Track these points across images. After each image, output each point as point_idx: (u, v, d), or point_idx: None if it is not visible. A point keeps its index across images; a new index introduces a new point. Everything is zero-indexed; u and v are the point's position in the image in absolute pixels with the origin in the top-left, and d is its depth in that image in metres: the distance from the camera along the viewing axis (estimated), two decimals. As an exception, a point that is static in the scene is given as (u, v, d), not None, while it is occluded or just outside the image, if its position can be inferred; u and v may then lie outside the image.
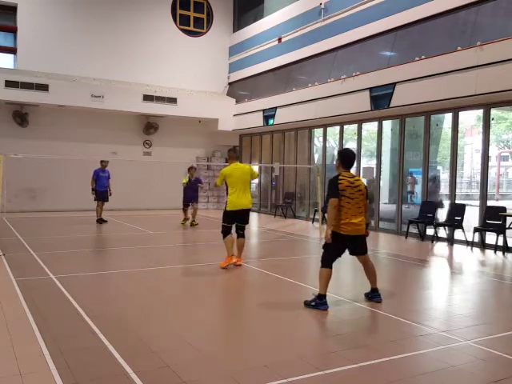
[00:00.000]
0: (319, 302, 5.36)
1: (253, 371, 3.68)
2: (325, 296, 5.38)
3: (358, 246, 5.58)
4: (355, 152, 5.78)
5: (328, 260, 5.44)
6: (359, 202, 5.39)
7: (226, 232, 7.54)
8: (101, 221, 13.41)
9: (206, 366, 3.80)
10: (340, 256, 5.55)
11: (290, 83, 16.22)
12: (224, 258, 7.61)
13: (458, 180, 11.48)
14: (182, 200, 13.66)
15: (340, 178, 5.38)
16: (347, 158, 5.58)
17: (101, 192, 13.43)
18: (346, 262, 8.93)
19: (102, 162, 13.56)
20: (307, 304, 5.47)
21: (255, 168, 19.44)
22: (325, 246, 5.49)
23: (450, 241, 10.96)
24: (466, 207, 10.75)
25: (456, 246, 10.58)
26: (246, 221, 7.70)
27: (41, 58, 16.37)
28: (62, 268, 7.26)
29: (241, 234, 7.76)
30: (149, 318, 5.04)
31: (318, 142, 16.33)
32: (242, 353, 4.12)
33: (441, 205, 11.80)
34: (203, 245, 10.37)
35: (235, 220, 7.56)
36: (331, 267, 5.45)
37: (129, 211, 16.23)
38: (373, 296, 5.77)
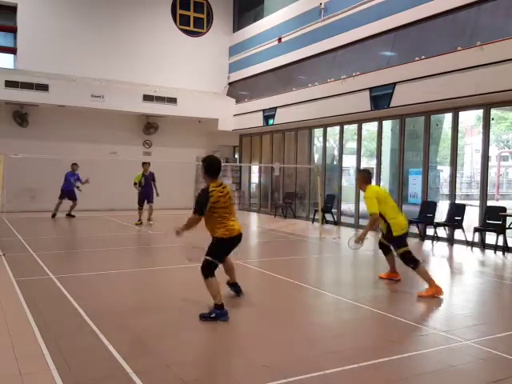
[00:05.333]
0: (219, 312, 5.00)
1: (253, 371, 3.68)
2: (222, 305, 5.04)
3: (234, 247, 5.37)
4: (218, 159, 5.40)
5: (213, 270, 5.13)
6: (230, 207, 5.28)
7: None
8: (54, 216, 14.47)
9: (206, 366, 3.80)
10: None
11: (289, 83, 16.22)
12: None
13: (458, 180, 11.48)
14: (137, 200, 13.36)
15: (210, 190, 5.07)
16: (214, 165, 5.25)
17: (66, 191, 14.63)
18: (346, 263, 8.94)
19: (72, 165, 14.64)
20: (204, 318, 5.01)
21: (255, 168, 19.45)
22: (213, 260, 5.13)
23: (450, 241, 10.96)
24: (466, 207, 10.75)
25: (456, 246, 10.58)
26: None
27: (41, 58, 16.36)
28: (62, 268, 7.26)
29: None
30: (149, 317, 5.04)
31: (317, 141, 16.33)
32: (242, 353, 4.12)
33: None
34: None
35: None
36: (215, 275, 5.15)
37: (129, 211, 16.21)
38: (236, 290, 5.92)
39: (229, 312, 5.01)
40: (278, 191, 17.77)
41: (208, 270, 5.07)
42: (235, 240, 5.25)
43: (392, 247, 6.54)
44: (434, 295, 5.99)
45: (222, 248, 5.23)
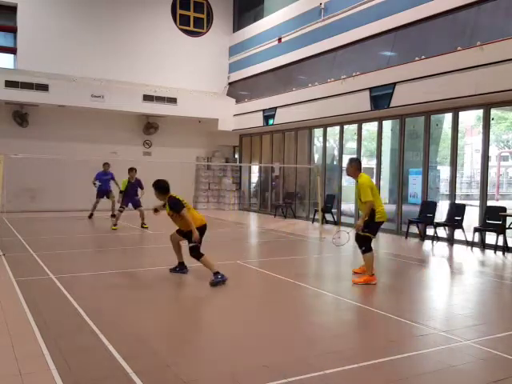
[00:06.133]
0: (221, 275, 6.42)
1: (253, 371, 3.68)
2: (218, 271, 6.46)
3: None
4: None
5: (200, 249, 6.61)
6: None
7: None
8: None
9: (206, 366, 3.80)
10: None
11: (289, 83, 16.22)
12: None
13: (458, 180, 11.47)
14: (121, 201, 12.45)
15: (176, 196, 6.75)
16: (166, 186, 6.81)
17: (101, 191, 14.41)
18: (346, 263, 8.94)
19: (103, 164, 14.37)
20: (215, 284, 6.34)
21: (255, 168, 19.47)
22: (194, 243, 6.57)
23: (450, 241, 10.96)
24: (466, 207, 10.75)
25: (456, 246, 10.58)
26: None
27: (41, 58, 16.37)
28: (62, 268, 7.26)
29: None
30: (148, 317, 5.04)
31: (317, 141, 16.33)
32: (242, 353, 4.12)
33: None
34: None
35: None
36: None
37: (128, 211, 16.22)
38: (180, 269, 7.19)
39: (228, 308, 5.01)
40: (278, 191, 17.77)
41: (197, 253, 6.54)
42: (206, 226, 6.84)
43: (364, 228, 6.83)
44: (368, 282, 6.63)
45: (200, 233, 6.63)
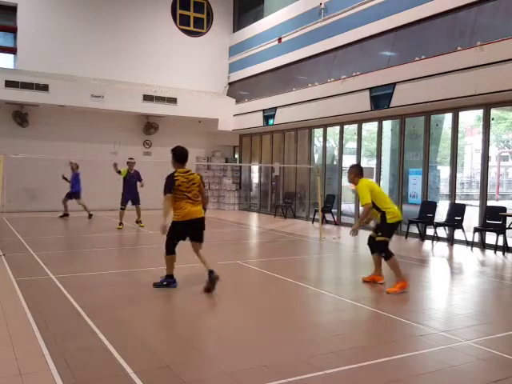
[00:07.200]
0: (170, 281, 6.15)
1: (253, 371, 3.68)
2: (173, 275, 6.17)
3: (196, 233, 6.09)
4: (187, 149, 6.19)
5: (172, 247, 6.07)
6: (196, 194, 6.01)
7: None
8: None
9: (206, 366, 3.80)
10: (183, 240, 6.15)
11: (290, 83, 16.22)
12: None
13: (458, 180, 11.47)
14: (121, 200, 12.45)
15: (175, 175, 5.92)
16: (181, 154, 6.10)
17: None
18: (346, 263, 8.94)
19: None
20: (158, 285, 6.12)
21: (255, 168, 19.47)
22: (168, 234, 6.01)
23: (450, 241, 10.96)
24: (466, 207, 10.75)
25: (456, 246, 10.58)
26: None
27: (41, 58, 16.37)
28: (62, 268, 7.26)
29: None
30: (148, 317, 5.04)
31: (317, 141, 16.33)
32: (242, 353, 4.12)
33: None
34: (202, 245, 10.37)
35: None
36: (175, 253, 6.13)
37: (128, 211, 16.22)
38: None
39: (228, 308, 5.00)
40: (278, 191, 17.76)
41: (167, 248, 6.03)
42: (187, 224, 5.92)
43: (378, 232, 6.61)
44: (403, 289, 6.25)
45: (176, 229, 5.96)
